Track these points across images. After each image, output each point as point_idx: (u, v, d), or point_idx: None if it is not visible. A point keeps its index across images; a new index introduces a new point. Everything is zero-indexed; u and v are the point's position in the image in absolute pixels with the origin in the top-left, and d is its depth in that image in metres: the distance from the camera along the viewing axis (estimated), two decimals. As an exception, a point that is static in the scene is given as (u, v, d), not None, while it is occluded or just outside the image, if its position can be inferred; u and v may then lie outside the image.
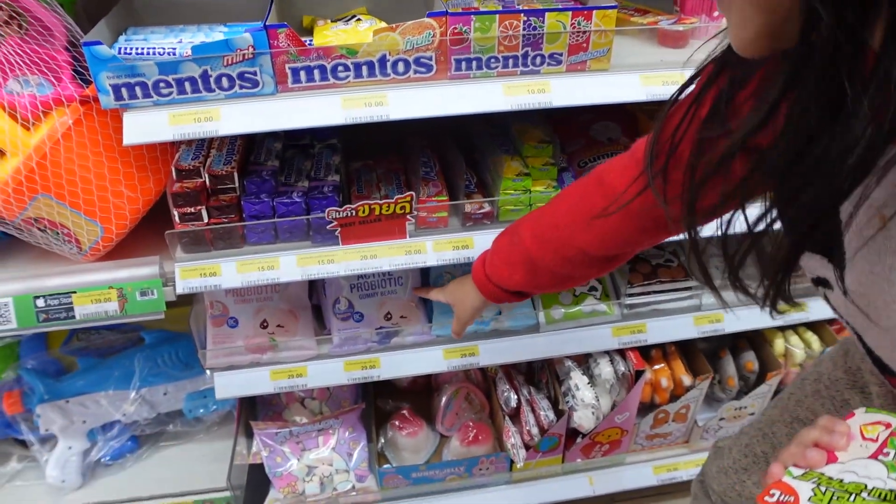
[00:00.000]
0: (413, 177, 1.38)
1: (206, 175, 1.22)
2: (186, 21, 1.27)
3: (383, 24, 1.17)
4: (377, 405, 1.69)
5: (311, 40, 1.18)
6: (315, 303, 1.48)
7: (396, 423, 1.61)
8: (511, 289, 1.00)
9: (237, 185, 1.23)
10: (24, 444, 1.63)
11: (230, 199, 1.23)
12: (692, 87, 0.71)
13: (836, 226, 0.56)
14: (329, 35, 1.16)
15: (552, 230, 0.93)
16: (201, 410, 1.66)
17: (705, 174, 0.66)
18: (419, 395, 1.73)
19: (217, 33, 1.18)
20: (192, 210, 1.21)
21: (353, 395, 1.70)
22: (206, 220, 1.23)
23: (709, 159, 0.66)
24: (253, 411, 1.69)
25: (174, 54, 1.12)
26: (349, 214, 1.21)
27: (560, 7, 1.12)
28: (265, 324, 1.40)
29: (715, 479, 1.14)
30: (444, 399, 1.64)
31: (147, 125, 1.08)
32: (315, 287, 1.48)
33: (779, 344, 1.63)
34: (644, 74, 1.17)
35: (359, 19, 1.22)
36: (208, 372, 1.58)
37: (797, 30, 0.45)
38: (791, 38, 0.47)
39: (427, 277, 1.48)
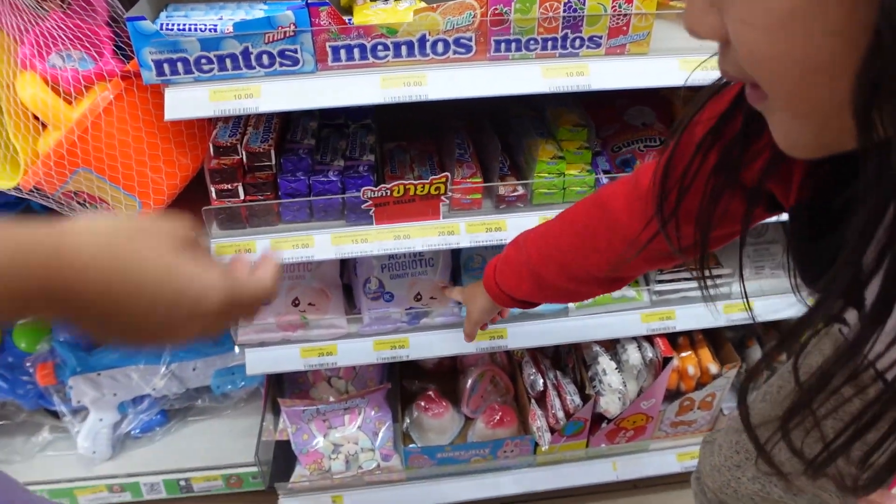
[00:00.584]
0: (447, 158, 1.39)
1: (244, 152, 1.23)
2: (224, -2, 1.27)
3: (423, 4, 1.17)
4: (403, 386, 1.71)
5: (350, 19, 1.19)
6: (346, 282, 1.49)
7: (422, 403, 1.62)
8: (519, 297, 1.01)
9: (274, 162, 1.24)
10: (56, 415, 1.66)
11: (266, 176, 1.24)
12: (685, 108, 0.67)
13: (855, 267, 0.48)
14: (369, 14, 1.16)
15: (556, 251, 0.93)
16: (229, 387, 1.69)
17: (717, 221, 0.65)
18: (445, 377, 1.74)
19: (257, 10, 1.18)
20: (229, 187, 1.22)
21: (379, 375, 1.71)
22: (242, 197, 1.24)
23: (722, 209, 0.65)
24: (280, 388, 1.71)
25: (215, 31, 1.12)
26: (384, 194, 1.22)
27: (602, -11, 1.11)
28: (297, 301, 1.41)
29: (710, 477, 1.13)
30: (469, 381, 1.65)
31: (188, 101, 1.09)
32: (346, 267, 1.49)
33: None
34: (684, 59, 1.17)
35: (398, -1, 1.22)
36: (237, 348, 1.60)
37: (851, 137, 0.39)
38: (845, 144, 0.42)
39: (457, 260, 1.48)
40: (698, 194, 0.66)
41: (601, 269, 0.89)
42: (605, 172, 1.33)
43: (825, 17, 0.35)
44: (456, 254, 1.49)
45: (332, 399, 1.64)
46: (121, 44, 1.20)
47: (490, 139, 1.33)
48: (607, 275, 0.91)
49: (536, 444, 1.57)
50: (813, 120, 0.42)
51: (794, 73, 0.39)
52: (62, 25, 1.17)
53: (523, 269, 0.98)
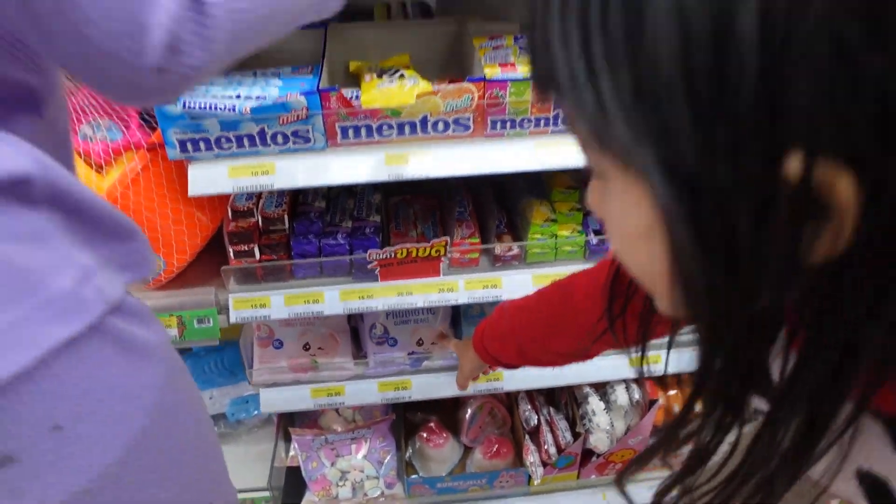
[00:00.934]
0: (448, 216, 1.48)
1: (259, 216, 1.33)
2: (242, 65, 1.37)
3: (426, 83, 1.26)
4: (406, 417, 1.81)
5: (357, 92, 1.28)
6: (353, 325, 1.59)
7: (424, 435, 1.73)
8: (504, 361, 1.11)
9: (287, 226, 1.34)
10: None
11: (280, 237, 1.34)
12: None
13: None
14: (375, 94, 1.25)
15: (532, 326, 1.02)
16: (243, 415, 1.80)
17: (656, 324, 0.72)
18: (445, 408, 1.84)
19: (272, 87, 1.27)
20: (246, 248, 1.33)
21: (384, 407, 1.81)
22: (257, 257, 1.34)
23: (660, 315, 0.74)
24: (291, 416, 1.82)
25: (234, 110, 1.22)
26: (388, 256, 1.32)
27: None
28: (307, 346, 1.52)
29: None
30: (469, 413, 1.76)
31: (209, 177, 1.19)
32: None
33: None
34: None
35: (402, 75, 1.31)
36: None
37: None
38: None
39: (458, 307, 1.58)
40: (641, 299, 0.75)
41: (570, 346, 1.00)
42: (596, 233, 1.42)
43: (660, 240, 0.44)
44: (456, 300, 1.59)
45: (339, 429, 1.75)
46: (146, 116, 1.31)
47: (488, 200, 1.42)
48: (576, 351, 1.01)
49: (530, 476, 1.67)
50: (665, 298, 0.51)
51: (643, 271, 0.49)
52: (92, 98, 1.27)
53: (507, 337, 1.08)
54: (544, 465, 1.65)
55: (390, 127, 1.21)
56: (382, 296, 1.37)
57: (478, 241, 1.39)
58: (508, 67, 1.26)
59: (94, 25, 0.47)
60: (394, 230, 1.45)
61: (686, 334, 0.77)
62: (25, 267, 0.54)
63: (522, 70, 1.26)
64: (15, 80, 0.59)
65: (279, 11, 0.55)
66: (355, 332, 1.59)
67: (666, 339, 0.73)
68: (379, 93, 1.27)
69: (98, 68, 0.49)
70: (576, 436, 1.62)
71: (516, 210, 1.48)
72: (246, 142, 1.19)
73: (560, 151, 1.23)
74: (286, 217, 1.33)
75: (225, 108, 1.22)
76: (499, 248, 1.39)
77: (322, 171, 1.20)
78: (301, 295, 1.36)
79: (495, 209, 1.40)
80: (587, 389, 1.64)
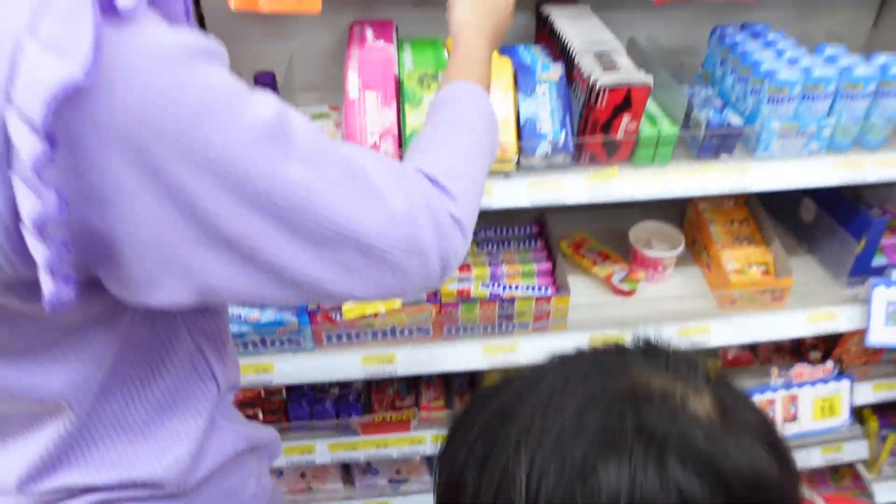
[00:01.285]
0: (419, 377, 1.78)
1: (262, 389, 1.63)
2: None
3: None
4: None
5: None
6: (343, 453, 1.90)
7: (405, 532, 2.05)
8: None
9: (284, 395, 1.65)
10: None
11: (279, 404, 1.65)
12: None
13: None
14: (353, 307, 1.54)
15: None
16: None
17: None
18: (425, 504, 2.16)
19: (272, 292, 1.57)
20: (251, 412, 1.64)
21: None
22: (261, 419, 1.65)
23: None
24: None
25: (240, 318, 1.52)
26: (367, 420, 1.62)
27: (530, 293, 1.49)
28: (304, 474, 1.84)
29: None
30: (444, 510, 2.07)
31: (221, 375, 1.50)
32: (343, 442, 1.90)
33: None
34: (592, 335, 1.54)
35: (378, 279, 1.59)
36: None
37: None
38: None
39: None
40: None
41: None
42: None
43: None
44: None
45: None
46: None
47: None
48: None
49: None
50: None
51: None
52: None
53: None
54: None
55: (366, 333, 1.50)
56: (364, 448, 1.67)
57: (442, 403, 1.69)
58: (465, 270, 1.56)
59: (411, 279, 0.70)
60: (374, 389, 1.75)
61: None
62: (236, 488, 0.87)
63: (476, 272, 1.55)
64: (234, 380, 0.91)
65: (483, 188, 0.84)
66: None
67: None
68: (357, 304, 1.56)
69: (407, 293, 0.75)
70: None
71: (477, 374, 1.77)
72: (251, 346, 1.49)
73: (506, 352, 1.52)
74: (283, 389, 1.64)
75: (232, 317, 1.52)
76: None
77: (311, 371, 1.50)
78: (297, 447, 1.67)
79: (458, 373, 1.69)
80: None
